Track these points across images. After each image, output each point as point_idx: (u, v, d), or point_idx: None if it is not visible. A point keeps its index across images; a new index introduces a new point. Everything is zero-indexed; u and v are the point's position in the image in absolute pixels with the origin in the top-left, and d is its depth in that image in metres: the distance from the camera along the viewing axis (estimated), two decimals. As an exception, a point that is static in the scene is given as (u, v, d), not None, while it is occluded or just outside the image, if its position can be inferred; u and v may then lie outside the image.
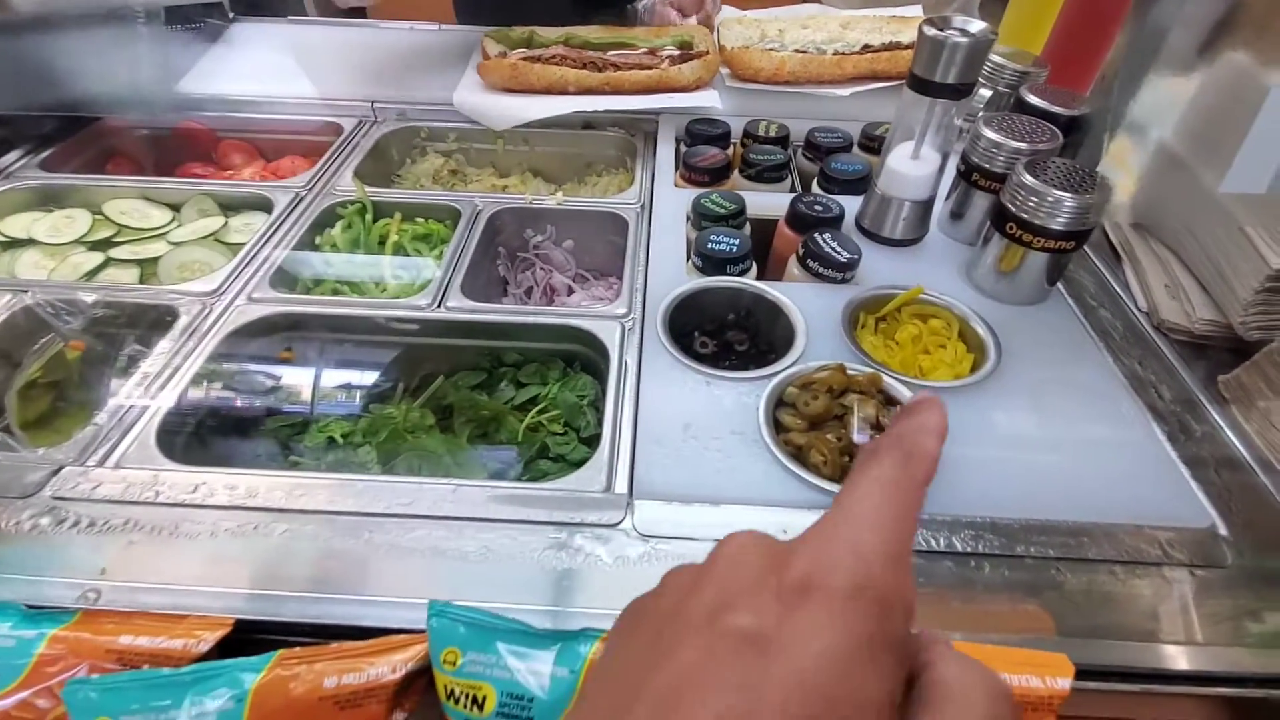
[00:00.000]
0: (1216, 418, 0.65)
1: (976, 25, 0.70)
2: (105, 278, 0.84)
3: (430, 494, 0.56)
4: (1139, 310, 0.77)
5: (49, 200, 0.96)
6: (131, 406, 0.64)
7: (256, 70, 1.22)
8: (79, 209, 0.92)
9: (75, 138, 1.08)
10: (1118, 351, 0.72)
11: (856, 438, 0.59)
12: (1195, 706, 0.46)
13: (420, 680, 0.40)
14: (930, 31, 0.69)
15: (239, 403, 0.70)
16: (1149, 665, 0.46)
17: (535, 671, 0.38)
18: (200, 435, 0.67)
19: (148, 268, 0.86)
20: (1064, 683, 0.39)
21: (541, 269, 0.98)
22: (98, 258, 0.85)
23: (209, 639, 0.41)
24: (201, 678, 0.38)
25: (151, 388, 0.66)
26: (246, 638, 0.44)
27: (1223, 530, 0.56)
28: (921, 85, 0.73)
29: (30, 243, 0.87)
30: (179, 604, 0.48)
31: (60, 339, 0.73)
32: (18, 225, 0.89)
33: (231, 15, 1.36)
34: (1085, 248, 0.81)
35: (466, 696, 0.38)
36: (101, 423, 0.63)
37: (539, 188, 1.15)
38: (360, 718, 0.38)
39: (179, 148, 1.16)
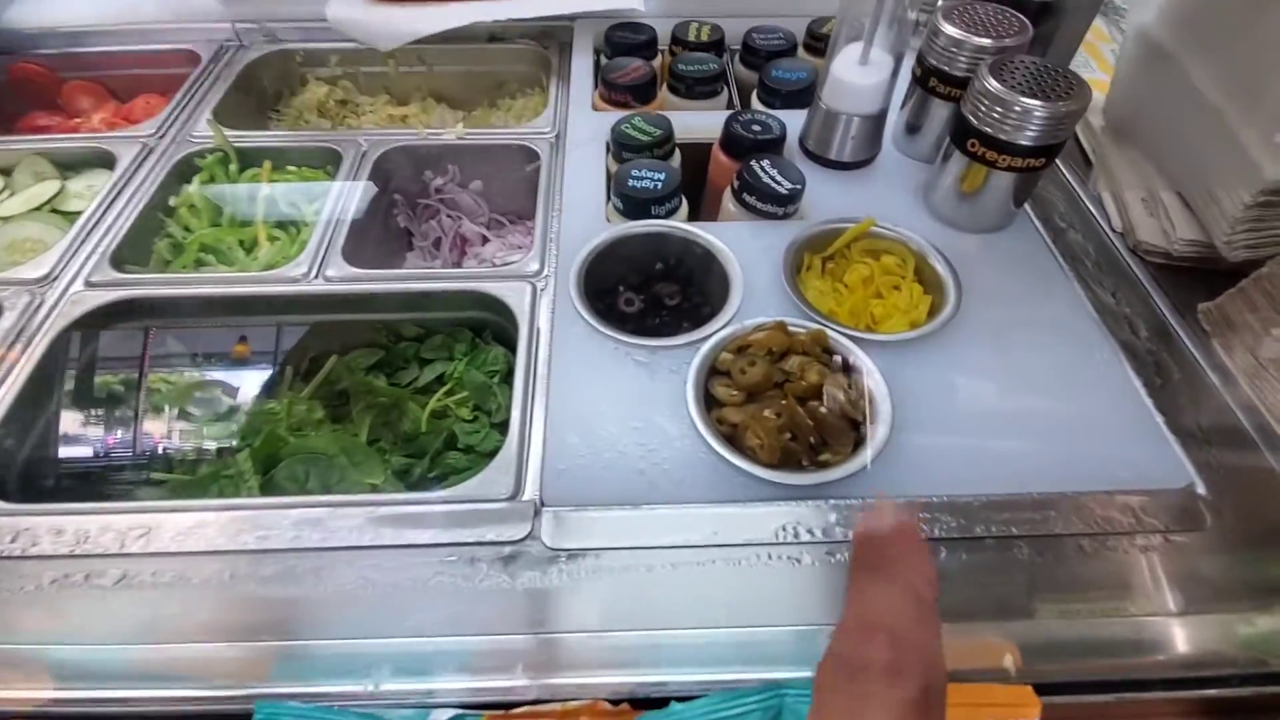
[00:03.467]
0: (1196, 355, 0.58)
1: (932, -109, 0.57)
2: (-90, 265, 0.70)
3: (297, 520, 0.47)
4: (1113, 230, 0.69)
5: None
6: (-61, 433, 0.53)
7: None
8: (-127, 180, 0.76)
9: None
10: (1089, 280, 0.64)
11: (781, 430, 0.51)
12: (1174, 707, 0.42)
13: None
14: (877, -99, 0.56)
15: (78, 419, 0.59)
16: (1119, 674, 0.41)
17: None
18: (31, 465, 0.57)
19: (-32, 250, 0.72)
20: None
21: (448, 216, 0.86)
22: (-102, 241, 0.71)
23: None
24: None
25: (-33, 411, 0.55)
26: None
27: (1201, 489, 0.50)
28: (868, -29, 0.60)
29: None
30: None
31: None
32: None
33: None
34: (1055, 158, 0.72)
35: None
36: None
37: (444, 115, 1.00)
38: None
39: (16, 95, 0.97)
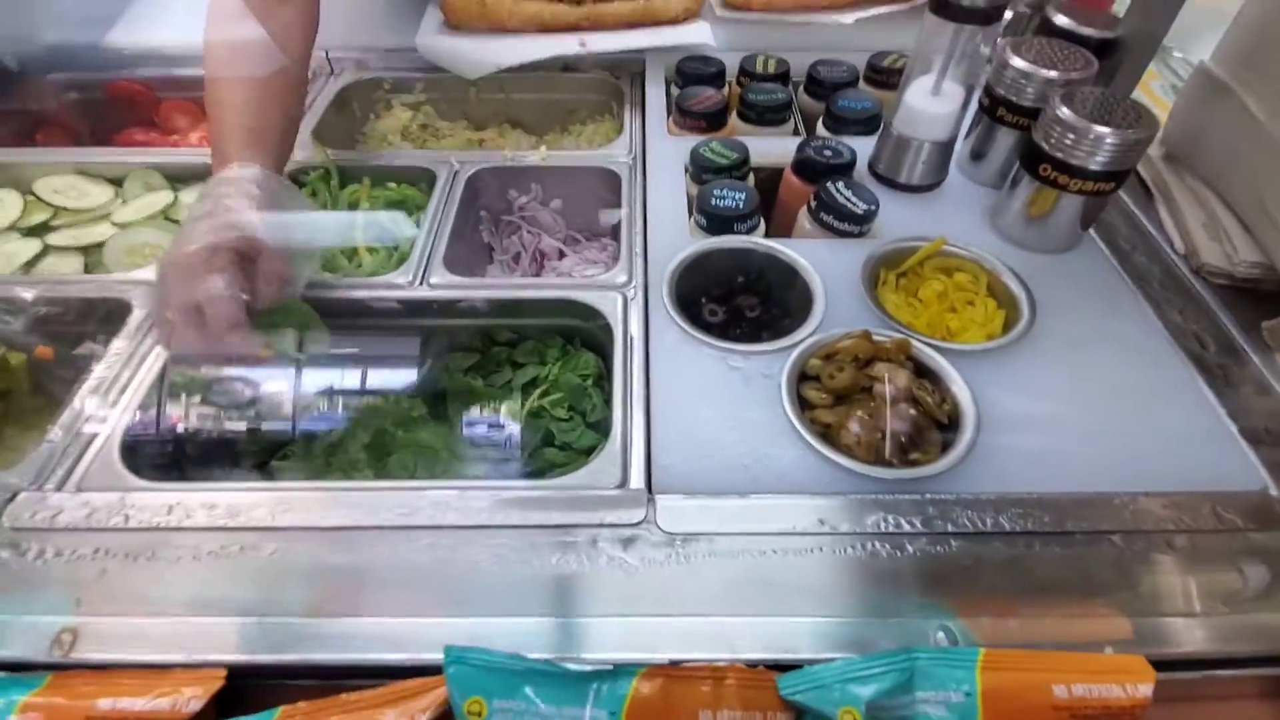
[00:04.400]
0: (1263, 369, 0.61)
1: (1010, -62, 0.62)
2: (45, 268, 0.76)
3: (433, 500, 0.51)
4: (1176, 253, 0.72)
5: (-28, 180, 0.86)
6: (89, 419, 0.58)
7: (193, 17, 1.09)
8: (6, 190, 0.83)
9: (-3, 106, 0.97)
10: (1157, 300, 0.67)
11: (875, 430, 0.54)
12: (1260, 688, 0.44)
13: (441, 728, 0.36)
14: (958, -53, 0.61)
15: (210, 408, 0.64)
16: (1222, 649, 0.43)
17: (572, 718, 0.34)
18: (169, 447, 0.61)
19: (92, 254, 0.78)
20: (1145, 688, 0.36)
21: (529, 232, 0.91)
22: (34, 245, 0.77)
23: (200, 695, 0.37)
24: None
25: (110, 396, 0.60)
26: (241, 684, 0.40)
27: (1274, 491, 0.53)
28: (944, 9, 0.65)
29: (-43, 231, 0.78)
30: (167, 636, 0.43)
31: (2, 344, 0.65)
32: (-59, 212, 0.79)
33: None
34: (1115, 185, 0.76)
35: (496, 750, 0.34)
36: (56, 440, 0.56)
37: (518, 140, 1.06)
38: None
39: (116, 111, 1.04)
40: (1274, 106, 0.65)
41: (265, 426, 0.66)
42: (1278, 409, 0.58)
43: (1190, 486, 0.52)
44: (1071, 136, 0.63)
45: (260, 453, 0.66)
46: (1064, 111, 0.63)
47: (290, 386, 0.70)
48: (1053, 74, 0.69)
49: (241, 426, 0.66)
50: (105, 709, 0.36)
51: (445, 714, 0.36)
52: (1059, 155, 0.65)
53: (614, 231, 0.93)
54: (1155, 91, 0.96)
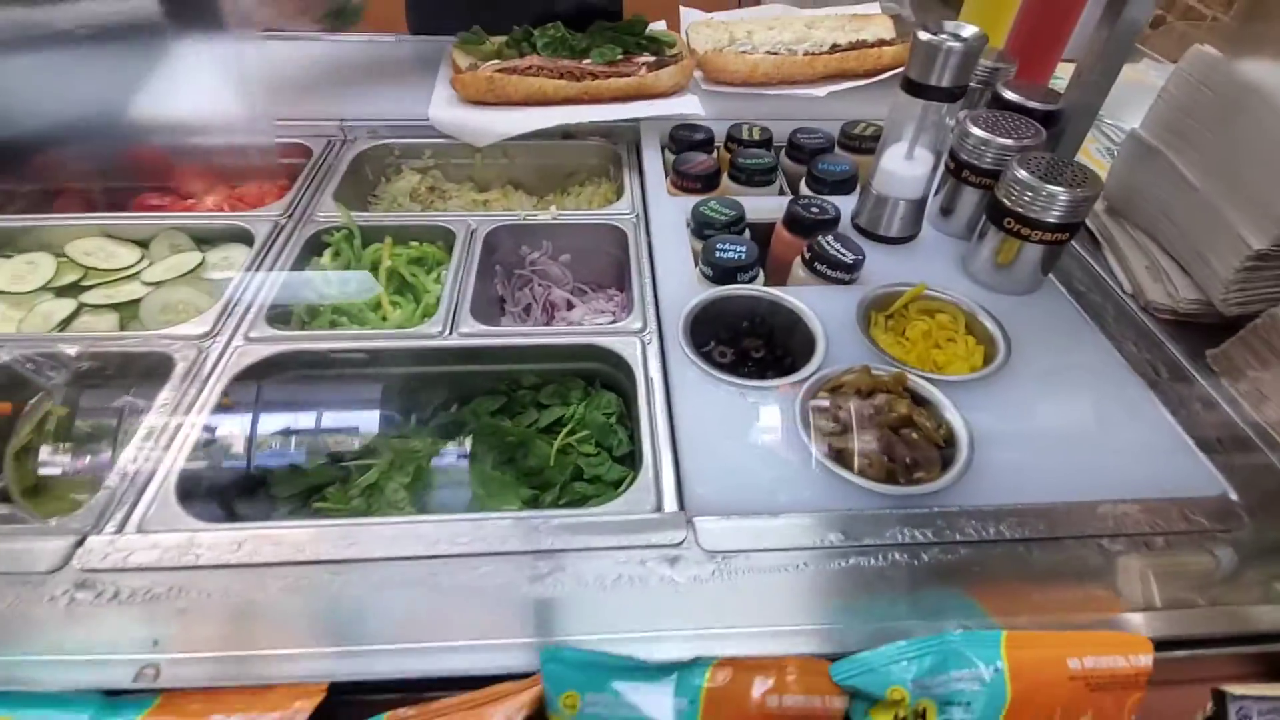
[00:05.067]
0: (1210, 391, 0.70)
1: (968, 29, 0.72)
2: (81, 326, 0.78)
3: (487, 530, 0.55)
4: (1124, 293, 0.82)
5: (2, 245, 0.89)
6: (143, 464, 0.60)
7: (209, 90, 1.15)
8: (38, 252, 0.85)
9: (14, 174, 1.00)
10: (1113, 334, 0.76)
11: (881, 453, 0.60)
12: (1236, 666, 0.50)
13: (531, 727, 0.40)
14: (925, 37, 0.72)
15: (256, 452, 0.67)
16: (1203, 631, 0.49)
17: (657, 706, 0.38)
18: (219, 493, 0.64)
19: (126, 312, 0.81)
20: (1145, 659, 0.41)
21: (539, 285, 0.97)
22: (69, 304, 0.79)
23: (304, 708, 0.39)
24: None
25: (160, 442, 0.62)
26: (339, 700, 0.42)
27: (1233, 496, 0.60)
28: (916, 89, 0.75)
29: (-11, 293, 0.81)
30: (249, 674, 0.45)
31: (49, 398, 0.68)
32: (-28, 275, 0.82)
33: (172, 33, 1.27)
34: (1067, 235, 0.86)
35: (588, 741, 0.38)
36: (113, 485, 0.58)
37: (521, 200, 1.13)
38: (480, 774, 0.37)
39: (133, 177, 1.08)
40: (1197, 165, 0.77)
41: (308, 467, 0.69)
42: (1226, 422, 0.67)
43: (1159, 494, 0.59)
44: (1029, 194, 0.73)
45: (301, 495, 0.68)
46: (1022, 174, 0.73)
47: (324, 433, 0.74)
48: (1008, 141, 0.80)
49: (283, 473, 0.69)
50: (216, 726, 0.38)
51: (538, 712, 0.39)
52: (1019, 210, 0.74)
53: (619, 283, 1.00)
54: (1093, 154, 1.09)
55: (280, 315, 0.80)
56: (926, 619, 0.50)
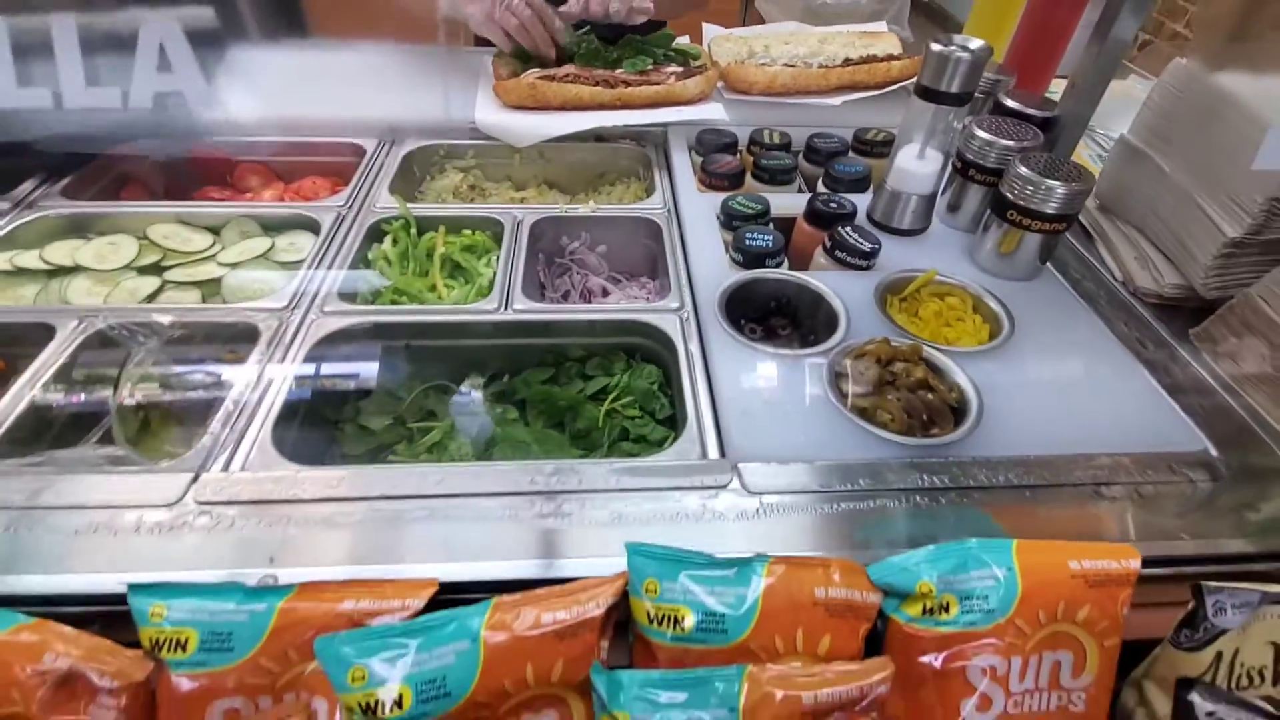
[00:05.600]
0: (1192, 362, 0.78)
1: (975, 42, 0.81)
2: (166, 299, 0.86)
3: (559, 471, 0.62)
4: (1115, 280, 0.90)
5: (80, 228, 0.96)
6: (240, 416, 0.67)
7: (268, 93, 1.23)
8: (121, 235, 0.93)
9: (88, 167, 1.07)
10: (1105, 315, 0.84)
11: (917, 404, 0.68)
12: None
13: (615, 614, 0.46)
14: (936, 48, 0.80)
15: (333, 411, 0.74)
16: (1187, 553, 0.57)
17: (721, 593, 0.45)
18: (307, 439, 0.71)
19: (207, 289, 0.88)
20: (1134, 563, 0.49)
21: (578, 273, 1.05)
22: (153, 281, 0.87)
23: (422, 596, 0.46)
24: (433, 626, 0.43)
25: (253, 398, 0.69)
26: (448, 600, 0.49)
27: (1213, 451, 0.68)
28: (929, 94, 0.84)
29: (76, 269, 0.88)
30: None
31: (149, 356, 0.75)
32: (60, 253, 0.89)
33: (231, 39, 1.36)
34: (1063, 230, 0.94)
35: (668, 619, 0.44)
36: (216, 431, 0.65)
37: (555, 198, 1.21)
38: (577, 647, 0.43)
39: (194, 173, 1.16)
40: (1178, 164, 0.85)
41: (376, 428, 0.76)
42: (1206, 388, 0.75)
43: (1149, 448, 0.67)
44: (1030, 188, 0.81)
45: (371, 454, 0.75)
46: (1023, 170, 0.81)
47: (391, 394, 0.81)
48: (1010, 143, 0.88)
49: (356, 428, 0.76)
50: (349, 609, 0.45)
51: (622, 600, 0.46)
52: (1022, 203, 0.82)
53: (652, 272, 1.07)
54: (1085, 159, 1.18)
55: (347, 295, 0.88)
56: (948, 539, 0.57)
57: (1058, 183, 0.80)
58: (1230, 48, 0.84)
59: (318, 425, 0.75)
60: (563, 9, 1.20)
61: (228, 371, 0.73)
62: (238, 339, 0.78)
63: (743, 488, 0.62)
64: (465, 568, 0.53)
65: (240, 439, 0.65)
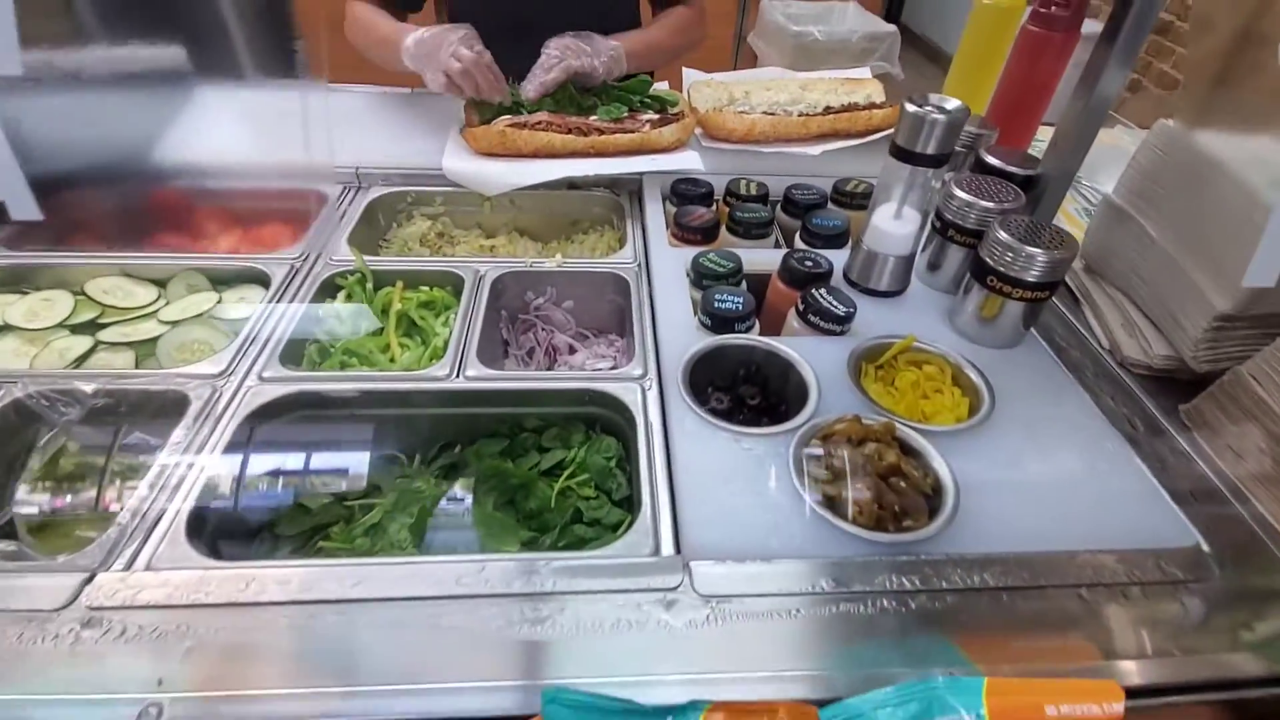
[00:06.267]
0: (1184, 445, 0.73)
1: (952, 103, 0.77)
2: (97, 363, 0.81)
3: (489, 571, 0.57)
4: (1102, 349, 0.86)
5: (18, 281, 0.91)
6: (154, 502, 0.62)
7: (231, 136, 1.20)
8: (56, 290, 0.88)
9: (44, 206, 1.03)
10: (1092, 388, 0.80)
11: (870, 501, 0.63)
12: (1208, 713, 0.52)
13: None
14: (911, 109, 0.77)
15: (265, 491, 0.69)
16: (1177, 679, 0.51)
17: (652, 749, 0.40)
18: (226, 531, 0.65)
19: (142, 350, 0.83)
20: (1117, 706, 0.43)
21: (543, 329, 1.00)
22: (85, 342, 0.82)
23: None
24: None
25: (171, 480, 0.64)
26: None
27: (1205, 547, 0.63)
28: (904, 155, 0.80)
29: (5, 329, 0.83)
30: (252, 714, 0.46)
31: (62, 434, 0.70)
32: (-10, 310, 0.84)
33: (197, 80, 1.33)
34: (1048, 292, 0.90)
35: (588, 781, 0.39)
36: (124, 522, 0.60)
37: (526, 247, 1.17)
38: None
39: (151, 217, 1.12)
40: (1165, 230, 0.81)
41: (310, 511, 0.70)
42: (1199, 475, 0.70)
43: (1135, 544, 0.62)
44: (1010, 255, 0.77)
45: (306, 534, 0.70)
46: (1003, 235, 0.77)
47: (330, 472, 0.76)
48: (990, 204, 0.85)
49: (288, 511, 0.71)
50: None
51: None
52: (1001, 269, 0.78)
53: (620, 329, 1.03)
54: (1071, 213, 1.14)
55: (292, 356, 0.83)
56: (913, 665, 0.52)
57: (1039, 250, 0.76)
58: (1216, 99, 0.80)
59: (249, 506, 0.70)
60: (532, 85, 1.15)
61: (148, 449, 0.68)
62: (167, 409, 0.73)
63: (694, 591, 0.56)
64: (361, 704, 0.47)
65: (151, 529, 0.60)
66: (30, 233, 1.01)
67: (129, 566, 0.57)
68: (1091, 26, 0.91)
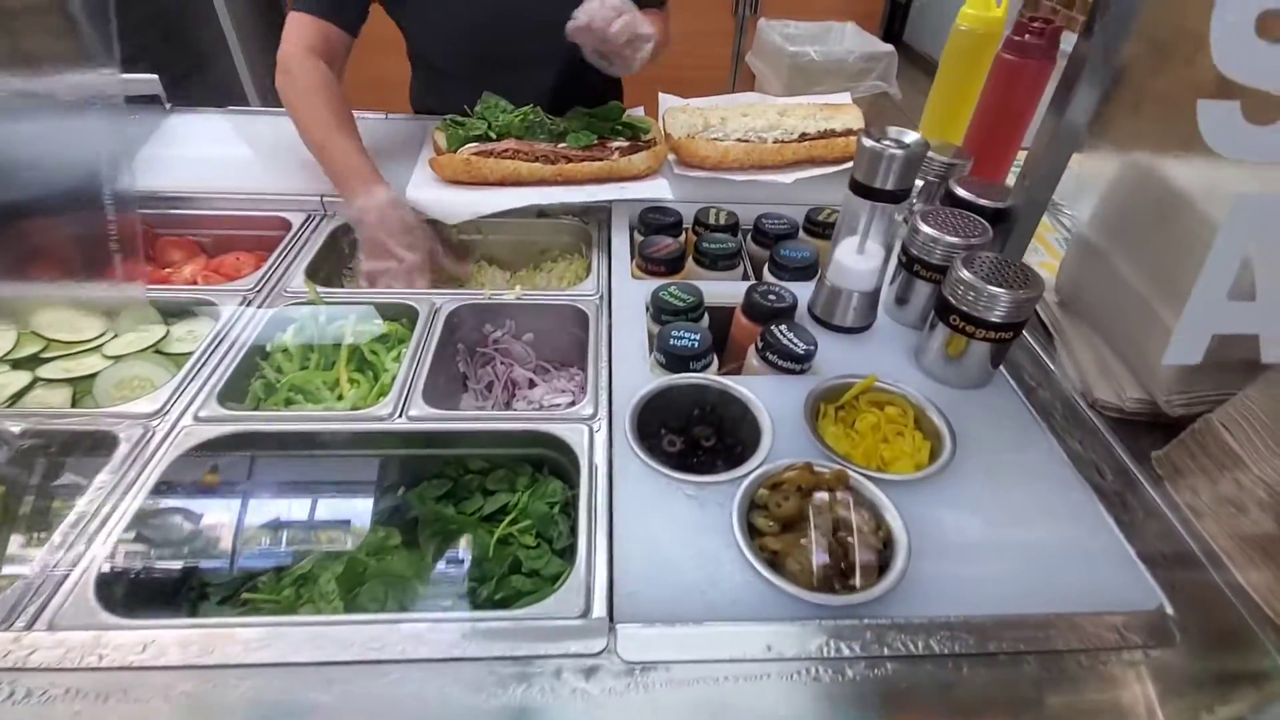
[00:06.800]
0: (1154, 496, 0.70)
1: (910, 136, 0.75)
2: (32, 400, 0.79)
3: (404, 634, 0.54)
4: (1074, 389, 0.83)
5: (-32, 312, 0.90)
6: (66, 554, 0.60)
7: (196, 164, 1.19)
8: (2, 321, 0.87)
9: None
10: (1060, 431, 0.76)
11: (816, 558, 0.59)
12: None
13: None
14: (868, 144, 0.74)
15: (187, 542, 0.66)
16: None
17: None
18: (145, 583, 0.63)
19: (81, 387, 0.81)
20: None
21: (502, 363, 0.98)
22: (23, 378, 0.80)
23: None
24: None
25: (88, 531, 0.62)
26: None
27: (1169, 610, 0.59)
28: (863, 190, 0.77)
29: (-54, 363, 0.81)
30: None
31: (-17, 477, 0.68)
32: (-69, 344, 0.83)
33: (169, 106, 1.33)
34: (1019, 328, 0.87)
35: None
36: (31, 576, 0.58)
37: (494, 275, 1.15)
38: None
39: (110, 245, 1.11)
40: (1137, 268, 0.78)
41: (239, 559, 0.68)
42: (1169, 532, 0.66)
43: (1096, 607, 0.58)
44: (973, 294, 0.74)
45: (231, 584, 0.67)
46: (965, 274, 0.75)
47: (263, 517, 0.73)
48: (956, 239, 0.82)
49: (216, 560, 0.68)
50: None
51: None
52: (964, 309, 0.75)
53: (582, 362, 1.00)
54: (1050, 242, 1.11)
55: (236, 392, 0.81)
56: (846, 743, 0.48)
57: (1002, 289, 0.73)
58: (1188, 127, 0.77)
59: (170, 555, 0.67)
60: (570, 25, 1.07)
61: (70, 493, 0.66)
62: (96, 451, 0.70)
63: (618, 656, 0.53)
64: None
65: (58, 586, 0.57)
66: (-14, 262, 1.00)
67: (31, 624, 0.55)
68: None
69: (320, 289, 0.94)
